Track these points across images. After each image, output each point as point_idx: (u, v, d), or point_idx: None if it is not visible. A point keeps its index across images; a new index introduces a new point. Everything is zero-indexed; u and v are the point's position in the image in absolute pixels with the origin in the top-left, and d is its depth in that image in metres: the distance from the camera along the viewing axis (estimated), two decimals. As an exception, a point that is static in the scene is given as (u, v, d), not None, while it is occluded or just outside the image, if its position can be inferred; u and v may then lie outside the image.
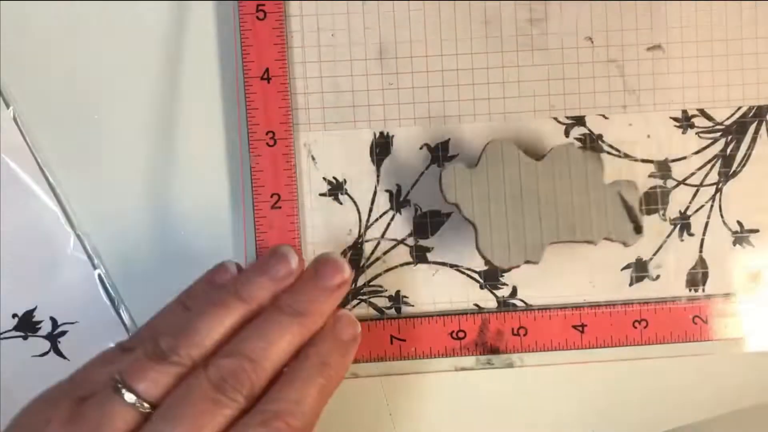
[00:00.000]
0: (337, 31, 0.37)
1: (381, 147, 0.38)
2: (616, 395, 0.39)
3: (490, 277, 0.38)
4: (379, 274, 0.38)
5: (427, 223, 0.38)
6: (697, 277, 0.38)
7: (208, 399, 0.28)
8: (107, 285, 0.38)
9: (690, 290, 0.38)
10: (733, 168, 0.38)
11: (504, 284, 0.38)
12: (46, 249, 0.38)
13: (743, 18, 0.38)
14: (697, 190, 0.38)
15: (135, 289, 0.38)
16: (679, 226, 0.38)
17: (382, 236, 0.38)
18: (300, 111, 0.38)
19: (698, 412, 0.39)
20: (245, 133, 0.37)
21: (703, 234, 0.38)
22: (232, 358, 0.29)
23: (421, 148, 0.38)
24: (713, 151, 0.38)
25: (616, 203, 0.36)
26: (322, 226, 0.38)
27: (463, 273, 0.38)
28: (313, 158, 0.38)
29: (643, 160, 0.38)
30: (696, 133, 0.38)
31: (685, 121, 0.38)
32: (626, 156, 0.38)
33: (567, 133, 0.38)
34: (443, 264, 0.38)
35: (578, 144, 0.38)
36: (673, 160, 0.38)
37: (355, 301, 0.38)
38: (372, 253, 0.38)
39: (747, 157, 0.38)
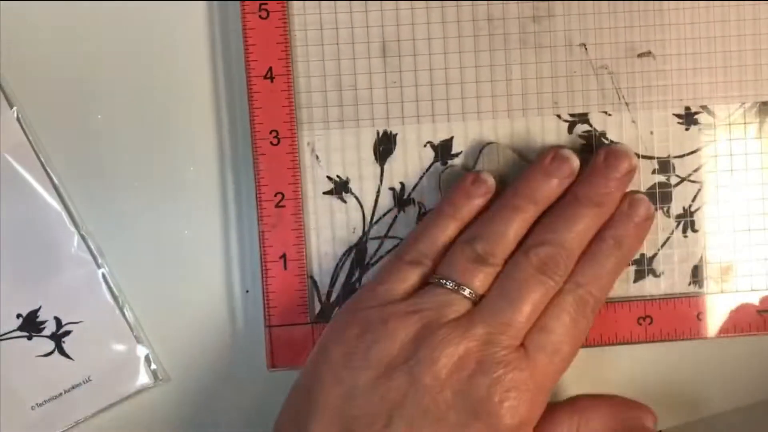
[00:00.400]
0: (340, 30, 0.37)
1: (384, 145, 0.38)
2: (620, 390, 0.39)
3: (495, 275, 0.38)
4: (384, 273, 0.38)
5: (431, 221, 0.38)
6: (702, 273, 0.38)
7: (534, 279, 0.33)
8: (111, 284, 0.38)
9: (694, 287, 0.38)
10: (736, 164, 0.38)
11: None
12: (49, 249, 0.38)
13: (746, 15, 0.38)
14: (701, 187, 0.38)
15: (139, 289, 0.38)
16: (682, 222, 0.38)
17: (386, 234, 0.38)
18: (303, 110, 0.38)
19: (701, 410, 0.39)
20: (249, 132, 0.37)
21: (707, 230, 0.38)
22: (546, 246, 0.34)
23: (424, 146, 0.38)
24: (716, 148, 0.38)
25: None
26: (327, 225, 0.38)
27: (467, 271, 0.38)
28: (317, 157, 0.38)
29: (646, 157, 0.38)
30: (699, 130, 0.38)
31: (688, 118, 0.38)
32: (629, 153, 0.38)
33: (570, 131, 0.38)
34: (447, 262, 0.38)
35: (572, 147, 0.38)
36: (676, 157, 0.38)
37: (360, 300, 0.38)
38: (376, 251, 0.38)
39: (750, 153, 0.38)
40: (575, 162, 0.36)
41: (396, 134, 0.38)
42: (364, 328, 0.33)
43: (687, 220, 0.38)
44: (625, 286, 0.38)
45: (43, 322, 0.38)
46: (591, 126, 0.38)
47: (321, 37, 0.37)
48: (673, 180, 0.38)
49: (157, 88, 0.38)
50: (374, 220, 0.38)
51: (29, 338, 0.38)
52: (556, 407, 0.35)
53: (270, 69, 0.37)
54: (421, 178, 0.38)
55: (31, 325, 0.38)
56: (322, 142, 0.38)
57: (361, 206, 0.38)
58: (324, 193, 0.38)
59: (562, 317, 0.34)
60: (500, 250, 0.34)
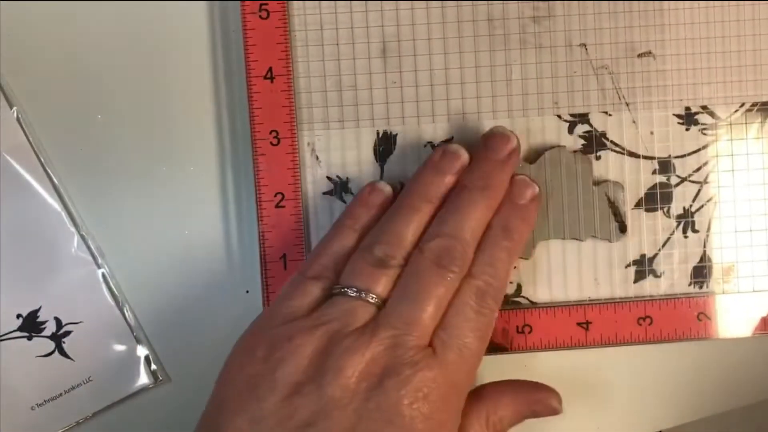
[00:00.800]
0: (340, 30, 0.37)
1: (385, 145, 0.38)
2: (620, 390, 0.39)
3: (495, 275, 0.38)
4: (384, 273, 0.38)
5: (431, 222, 0.38)
6: (702, 273, 0.38)
7: (432, 274, 0.33)
8: (111, 284, 0.38)
9: (694, 287, 0.38)
10: (737, 165, 0.38)
11: (508, 282, 0.38)
12: (49, 249, 0.38)
13: (745, 15, 0.38)
14: (701, 187, 0.38)
15: (139, 289, 0.38)
16: (683, 223, 0.38)
17: (386, 235, 0.38)
18: (303, 110, 0.38)
19: (701, 410, 0.39)
20: (249, 133, 0.37)
21: (707, 231, 0.38)
22: (439, 239, 0.33)
23: (424, 147, 0.38)
24: (717, 148, 0.38)
25: (603, 203, 0.37)
26: (327, 225, 0.38)
27: (468, 271, 0.38)
28: (317, 157, 0.38)
29: (647, 157, 0.38)
30: (699, 130, 0.38)
31: (688, 118, 0.38)
32: (630, 153, 0.38)
33: (571, 131, 0.38)
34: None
35: (572, 147, 0.38)
36: (677, 157, 0.38)
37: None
38: (376, 251, 0.38)
39: (751, 153, 0.38)
40: (465, 156, 0.35)
41: (396, 134, 0.38)
42: (270, 349, 0.32)
43: (687, 221, 0.38)
44: (625, 286, 0.38)
45: (43, 323, 0.38)
46: (591, 126, 0.38)
47: (321, 37, 0.37)
48: (674, 180, 0.38)
49: (157, 88, 0.38)
50: (374, 220, 0.38)
51: (29, 338, 0.38)
52: (466, 400, 0.34)
53: (270, 69, 0.37)
54: (421, 178, 0.38)
55: (31, 325, 0.38)
56: (322, 143, 0.38)
57: (361, 206, 0.38)
58: (324, 193, 0.38)
59: (464, 311, 0.33)
60: (399, 252, 0.34)
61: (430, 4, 0.37)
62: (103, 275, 0.38)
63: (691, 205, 0.38)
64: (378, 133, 0.38)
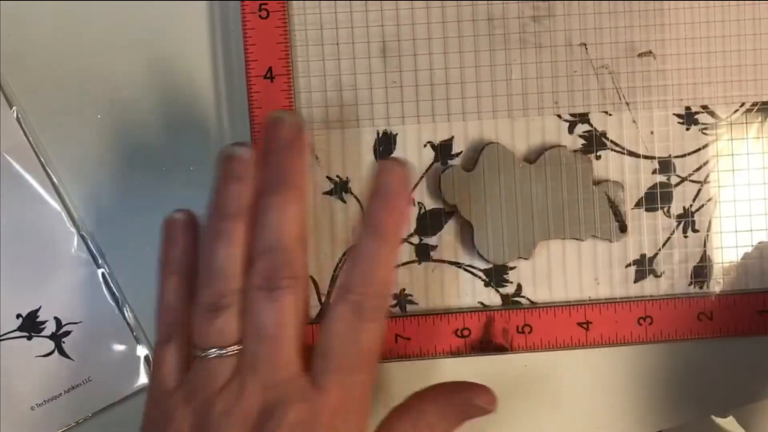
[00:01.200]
0: (340, 30, 0.37)
1: (384, 145, 0.38)
2: (620, 390, 0.39)
3: (495, 275, 0.38)
4: (384, 273, 0.38)
5: (430, 222, 0.38)
6: (702, 273, 0.38)
7: (271, 299, 0.30)
8: (111, 284, 0.38)
9: (695, 287, 0.38)
10: (737, 164, 0.38)
11: (509, 282, 0.38)
12: (49, 249, 0.38)
13: (746, 15, 0.38)
14: (701, 187, 0.38)
15: (139, 289, 0.38)
16: (683, 222, 0.38)
17: (386, 234, 0.38)
18: (303, 109, 0.38)
19: (701, 410, 0.39)
20: (249, 132, 0.37)
21: (708, 230, 0.38)
22: (260, 260, 0.31)
23: (424, 146, 0.38)
24: (717, 148, 0.38)
25: (603, 203, 0.37)
26: (326, 225, 0.38)
27: (467, 271, 0.38)
28: (317, 157, 0.38)
29: (647, 157, 0.38)
30: (700, 130, 0.38)
31: (688, 118, 0.38)
32: (630, 153, 0.38)
33: (571, 130, 0.38)
34: (447, 262, 0.38)
35: (572, 147, 0.38)
36: (677, 157, 0.38)
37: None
38: (376, 251, 0.38)
39: (751, 153, 0.38)
40: (245, 154, 0.32)
41: (396, 134, 0.38)
42: None
43: (687, 220, 0.38)
44: (625, 286, 0.38)
45: (43, 323, 0.38)
46: (591, 126, 0.38)
47: (321, 37, 0.37)
48: (674, 180, 0.38)
49: (157, 88, 0.38)
50: (374, 220, 0.38)
51: (29, 338, 0.38)
52: (390, 416, 0.33)
53: (270, 69, 0.37)
54: (421, 178, 0.38)
55: (31, 325, 0.38)
56: (322, 142, 0.38)
57: (361, 206, 0.38)
58: (324, 193, 0.38)
59: (337, 331, 0.30)
60: (228, 286, 0.31)
61: (430, 4, 0.37)
62: (103, 275, 0.38)
63: (691, 205, 0.38)
64: (378, 133, 0.38)
